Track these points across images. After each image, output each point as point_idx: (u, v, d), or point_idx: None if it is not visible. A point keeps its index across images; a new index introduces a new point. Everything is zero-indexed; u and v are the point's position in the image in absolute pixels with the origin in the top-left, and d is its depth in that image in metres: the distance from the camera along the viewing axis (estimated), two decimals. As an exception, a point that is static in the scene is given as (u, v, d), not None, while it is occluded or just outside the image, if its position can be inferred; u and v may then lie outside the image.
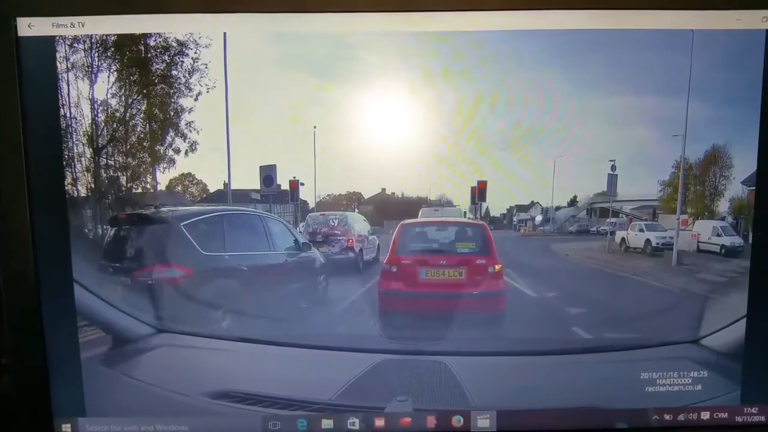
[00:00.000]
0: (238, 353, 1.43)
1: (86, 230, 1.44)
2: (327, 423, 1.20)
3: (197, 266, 1.54)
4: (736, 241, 1.53)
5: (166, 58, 1.29)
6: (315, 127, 1.33)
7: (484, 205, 1.84)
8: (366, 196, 1.99)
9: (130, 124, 1.39)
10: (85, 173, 1.35)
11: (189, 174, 1.58)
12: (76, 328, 1.16)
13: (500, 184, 1.52)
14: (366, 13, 1.06)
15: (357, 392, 1.26)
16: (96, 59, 1.21)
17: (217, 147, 1.35)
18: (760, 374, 1.18)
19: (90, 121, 1.28)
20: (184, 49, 1.24)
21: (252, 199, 1.79)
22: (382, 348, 1.38)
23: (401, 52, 1.14)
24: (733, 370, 1.21)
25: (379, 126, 1.22)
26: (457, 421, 1.20)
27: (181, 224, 1.59)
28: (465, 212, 1.90)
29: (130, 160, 1.46)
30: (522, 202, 2.03)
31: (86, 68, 1.20)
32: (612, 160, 1.41)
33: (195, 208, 1.68)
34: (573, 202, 1.95)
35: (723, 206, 1.56)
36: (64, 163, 1.13)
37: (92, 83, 1.24)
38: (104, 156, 1.39)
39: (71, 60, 1.15)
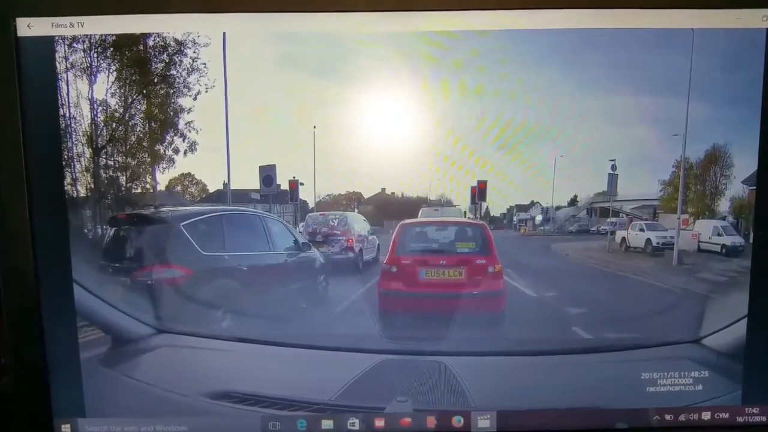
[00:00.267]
0: (238, 353, 1.43)
1: (86, 230, 1.44)
2: (327, 423, 1.20)
3: (197, 266, 1.54)
4: (737, 240, 1.53)
5: (165, 57, 1.29)
6: (315, 126, 1.33)
7: (484, 204, 1.84)
8: (366, 195, 1.99)
9: (130, 124, 1.39)
10: (85, 173, 1.35)
11: (188, 174, 1.57)
12: (75, 329, 1.16)
13: (500, 184, 1.52)
14: (365, 12, 1.05)
15: (357, 392, 1.26)
16: (95, 59, 1.21)
17: (217, 147, 1.35)
18: (761, 374, 1.18)
19: (89, 121, 1.28)
20: (183, 49, 1.24)
21: (252, 199, 1.79)
22: (382, 348, 1.38)
23: (401, 52, 1.13)
24: (734, 370, 1.21)
25: (378, 126, 1.22)
26: (457, 421, 1.20)
27: (181, 224, 1.58)
28: (465, 212, 1.90)
29: (129, 160, 1.46)
30: (522, 201, 2.03)
31: (86, 68, 1.20)
32: (612, 160, 1.41)
33: (194, 208, 1.68)
34: (573, 202, 1.94)
35: (724, 206, 1.56)
36: (64, 163, 1.13)
37: (92, 83, 1.24)
38: (104, 156, 1.39)
39: (71, 60, 1.15)
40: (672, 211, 1.70)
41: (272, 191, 1.67)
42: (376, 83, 1.17)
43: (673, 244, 1.78)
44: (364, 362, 1.32)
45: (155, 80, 1.36)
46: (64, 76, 1.15)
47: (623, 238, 2.09)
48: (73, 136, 1.25)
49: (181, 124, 1.39)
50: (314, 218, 2.07)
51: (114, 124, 1.36)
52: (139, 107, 1.37)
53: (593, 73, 1.23)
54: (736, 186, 1.36)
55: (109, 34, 1.14)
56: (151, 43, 1.24)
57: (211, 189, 1.67)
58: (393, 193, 1.73)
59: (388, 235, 1.99)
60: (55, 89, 1.09)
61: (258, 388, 1.27)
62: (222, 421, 1.22)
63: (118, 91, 1.30)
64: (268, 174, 1.50)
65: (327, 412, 1.21)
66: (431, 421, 1.20)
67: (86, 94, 1.23)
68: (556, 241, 2.29)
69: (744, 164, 1.21)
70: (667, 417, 1.20)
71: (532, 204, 2.10)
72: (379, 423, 1.20)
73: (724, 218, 1.59)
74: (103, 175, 1.42)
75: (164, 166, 1.48)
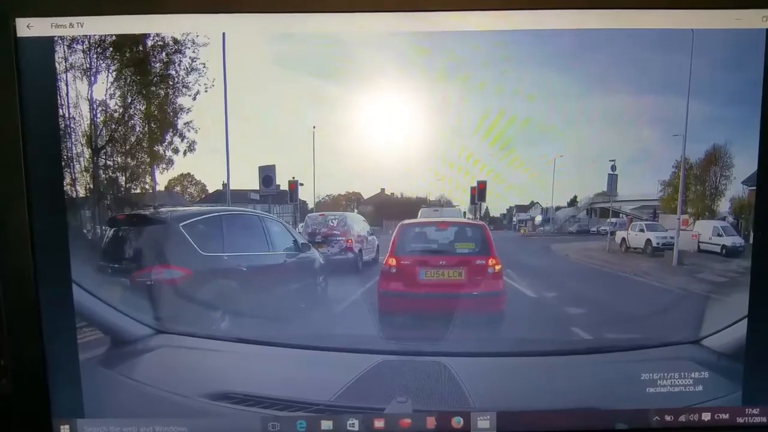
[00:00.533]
0: (237, 354, 1.43)
1: (85, 231, 1.44)
2: (326, 424, 1.20)
3: (196, 267, 1.54)
4: (737, 241, 1.53)
5: (165, 57, 1.29)
6: (314, 127, 1.33)
7: (484, 205, 1.84)
8: (365, 196, 1.99)
9: (129, 124, 1.39)
10: (84, 174, 1.34)
11: (188, 174, 1.57)
12: (74, 329, 1.16)
13: (500, 185, 1.52)
14: (365, 13, 1.05)
15: (356, 393, 1.26)
16: (95, 59, 1.21)
17: (216, 147, 1.35)
18: (761, 375, 1.18)
19: (89, 122, 1.28)
20: (182, 49, 1.24)
21: (251, 200, 1.79)
22: (382, 349, 1.37)
23: (400, 52, 1.13)
24: (734, 371, 1.21)
25: (378, 126, 1.22)
26: (457, 422, 1.20)
27: (180, 225, 1.58)
28: (465, 212, 1.90)
29: (128, 160, 1.46)
30: (522, 202, 2.03)
31: (85, 68, 1.20)
32: (612, 160, 1.41)
33: (194, 208, 1.68)
34: (573, 203, 1.95)
35: (724, 206, 1.56)
36: (63, 163, 1.13)
37: (91, 83, 1.23)
38: (103, 156, 1.39)
39: (70, 60, 1.15)
40: (672, 212, 1.70)
41: (272, 192, 1.67)
42: (376, 83, 1.17)
43: (673, 244, 1.78)
44: (364, 363, 1.32)
45: (154, 80, 1.36)
46: (64, 76, 1.15)
47: (623, 239, 2.09)
48: (73, 136, 1.25)
49: (181, 125, 1.39)
50: (314, 219, 2.07)
51: (113, 124, 1.35)
52: (138, 107, 1.37)
53: (593, 73, 1.23)
54: (736, 186, 1.36)
55: (108, 35, 1.14)
56: (150, 43, 1.24)
57: (211, 189, 1.67)
58: (392, 193, 1.73)
59: (388, 236, 1.99)
60: (54, 89, 1.09)
61: (257, 389, 1.26)
62: (221, 422, 1.22)
63: (117, 91, 1.30)
64: (267, 174, 1.50)
65: (326, 413, 1.21)
66: (431, 422, 1.20)
67: (85, 95, 1.23)
68: (556, 241, 2.29)
69: (744, 164, 1.21)
70: (667, 418, 1.20)
71: (532, 204, 2.11)
72: (379, 424, 1.20)
73: (724, 219, 1.59)
74: (103, 175, 1.42)
75: (163, 166, 1.48)
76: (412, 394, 1.23)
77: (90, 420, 1.18)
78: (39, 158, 1.07)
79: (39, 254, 1.09)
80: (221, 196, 1.66)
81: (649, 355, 1.33)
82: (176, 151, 1.45)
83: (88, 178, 1.36)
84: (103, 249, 1.48)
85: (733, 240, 1.57)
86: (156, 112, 1.39)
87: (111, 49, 1.20)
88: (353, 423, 1.20)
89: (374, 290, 1.85)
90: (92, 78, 1.23)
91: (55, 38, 1.06)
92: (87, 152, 1.33)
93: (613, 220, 2.05)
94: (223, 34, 1.13)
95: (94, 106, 1.27)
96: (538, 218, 2.22)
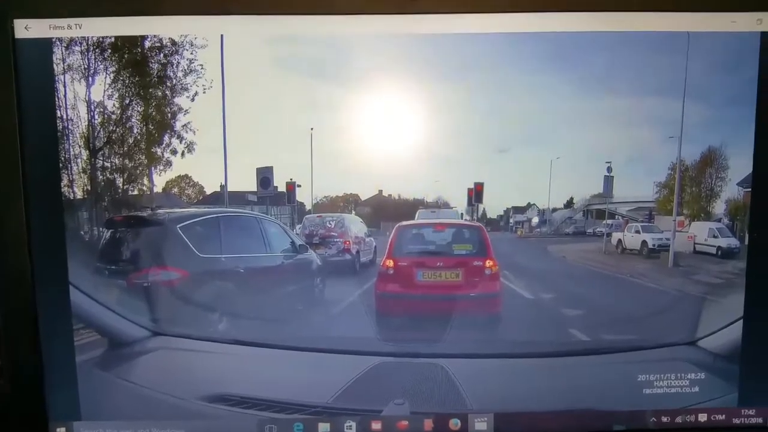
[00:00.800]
0: (234, 356, 1.43)
1: (82, 232, 1.43)
2: (323, 426, 1.19)
3: (193, 268, 1.53)
4: (733, 242, 1.54)
5: (162, 58, 1.29)
6: (312, 128, 1.33)
7: (481, 206, 1.85)
8: (363, 197, 2.00)
9: (127, 126, 1.39)
10: (82, 175, 1.34)
11: (185, 176, 1.58)
12: (71, 331, 1.15)
13: (497, 186, 1.52)
14: (363, 15, 1.05)
15: (354, 395, 1.26)
16: (93, 61, 1.20)
17: (214, 149, 1.35)
18: (757, 376, 1.18)
19: (86, 123, 1.28)
20: (180, 51, 1.24)
21: (249, 201, 1.79)
22: (379, 350, 1.37)
23: (398, 54, 1.14)
24: (730, 372, 1.21)
25: (375, 128, 1.22)
26: (455, 424, 1.20)
27: (178, 226, 1.58)
28: (462, 214, 1.91)
29: (126, 162, 1.46)
30: (518, 203, 2.04)
31: (83, 70, 1.20)
32: (608, 162, 1.41)
33: (191, 210, 1.68)
34: (569, 204, 1.95)
35: (719, 208, 1.56)
36: (61, 165, 1.12)
37: (89, 85, 1.23)
38: (101, 158, 1.39)
39: (68, 62, 1.15)
40: (668, 213, 1.71)
41: (269, 193, 1.67)
42: (374, 85, 1.17)
43: (668, 245, 1.79)
44: (361, 365, 1.32)
45: (152, 82, 1.36)
46: (62, 77, 1.15)
47: (619, 240, 2.10)
48: (71, 137, 1.25)
49: (178, 126, 1.39)
50: (311, 220, 2.08)
51: (111, 125, 1.35)
52: (136, 109, 1.36)
53: (589, 75, 1.24)
54: (732, 188, 1.36)
55: (106, 36, 1.14)
56: (148, 44, 1.24)
57: (208, 191, 1.68)
58: (390, 195, 1.74)
59: (385, 237, 1.99)
60: (52, 91, 1.08)
61: (254, 391, 1.26)
62: (218, 425, 1.21)
63: (115, 93, 1.30)
64: (265, 176, 1.50)
65: (324, 415, 1.20)
66: (428, 424, 1.20)
67: (83, 96, 1.23)
68: (553, 242, 2.30)
69: (739, 166, 1.22)
70: (664, 419, 1.20)
71: (529, 206, 2.11)
72: (376, 426, 1.19)
73: (719, 220, 1.60)
74: (100, 177, 1.42)
75: (161, 168, 1.48)
76: (409, 396, 1.22)
77: (87, 422, 1.17)
78: (36, 159, 1.07)
79: (36, 256, 1.08)
80: (219, 197, 1.66)
81: (645, 356, 1.33)
82: (174, 152, 1.45)
83: (85, 180, 1.36)
84: (101, 251, 1.47)
85: (729, 241, 1.58)
86: (154, 113, 1.39)
87: (109, 50, 1.20)
88: (350, 425, 1.19)
89: (371, 292, 1.85)
90: (90, 79, 1.23)
91: (53, 39, 1.06)
92: (85, 154, 1.33)
93: (609, 221, 2.06)
94: (221, 36, 1.13)
95: (92, 107, 1.27)
96: (535, 220, 2.23)
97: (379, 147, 1.25)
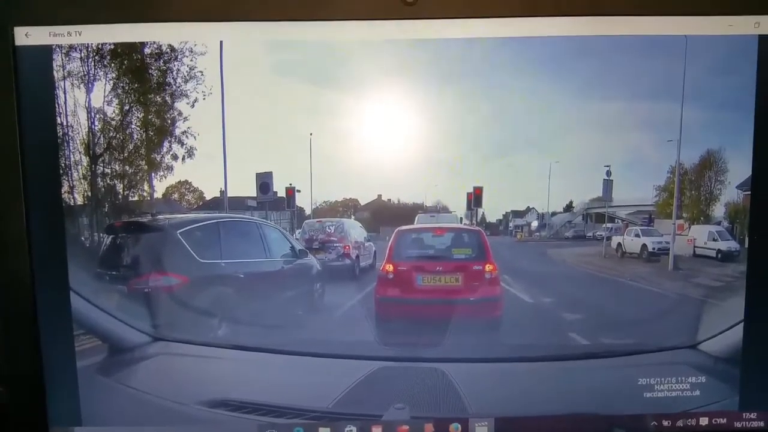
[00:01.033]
0: (235, 361, 1.43)
1: (83, 238, 1.44)
2: (324, 431, 1.19)
3: (193, 274, 1.54)
4: (732, 245, 1.54)
5: (162, 65, 1.29)
6: (311, 134, 1.34)
7: (480, 210, 1.85)
8: (362, 202, 2.00)
9: (127, 132, 1.39)
10: (82, 181, 1.35)
11: (185, 182, 1.58)
12: (72, 337, 1.16)
13: (496, 190, 1.52)
14: (362, 21, 1.06)
15: (354, 400, 1.25)
16: (93, 68, 1.21)
17: (214, 154, 1.36)
18: (758, 379, 1.18)
19: (87, 130, 1.29)
20: (180, 57, 1.25)
21: (248, 207, 1.79)
22: (379, 355, 1.37)
23: (397, 60, 1.14)
24: (731, 376, 1.21)
25: (375, 133, 1.22)
26: (455, 428, 1.20)
27: (178, 232, 1.59)
28: (461, 218, 1.91)
29: (126, 168, 1.46)
30: (518, 207, 2.04)
31: (83, 77, 1.20)
32: (607, 166, 1.41)
33: (191, 215, 1.68)
34: (569, 208, 1.95)
35: (719, 211, 1.56)
36: (61, 171, 1.13)
37: (89, 91, 1.24)
38: (101, 164, 1.39)
39: (68, 68, 1.16)
40: (667, 217, 1.70)
41: (269, 198, 1.67)
42: (373, 90, 1.18)
43: (668, 249, 1.79)
44: (361, 369, 1.32)
45: (152, 88, 1.36)
46: (62, 84, 1.15)
47: (619, 244, 2.09)
48: (71, 144, 1.26)
49: (178, 132, 1.39)
50: (311, 225, 2.08)
51: (111, 132, 1.36)
52: (136, 115, 1.37)
53: (588, 79, 1.24)
54: (731, 191, 1.36)
55: (106, 43, 1.14)
56: (148, 51, 1.24)
57: (208, 196, 1.68)
58: (389, 199, 1.74)
59: (385, 242, 1.99)
60: (52, 98, 1.09)
61: (254, 396, 1.26)
62: (218, 430, 1.22)
63: (115, 99, 1.31)
64: (264, 181, 1.51)
65: (324, 420, 1.20)
66: (429, 429, 1.20)
67: (83, 103, 1.23)
68: (552, 246, 2.29)
69: (738, 169, 1.22)
70: (665, 423, 1.20)
71: (528, 210, 2.11)
72: (376, 430, 1.19)
73: (719, 223, 1.59)
74: (100, 183, 1.42)
75: (161, 173, 1.48)
76: (409, 401, 1.22)
77: (87, 428, 1.17)
78: (37, 166, 1.07)
79: (37, 262, 1.09)
80: (219, 203, 1.66)
81: (646, 360, 1.33)
82: (175, 157, 1.45)
83: (85, 186, 1.36)
84: (101, 256, 1.48)
85: (729, 244, 1.58)
86: (154, 119, 1.40)
87: (109, 57, 1.21)
88: (351, 430, 1.19)
89: (371, 296, 1.85)
90: (90, 86, 1.23)
91: (53, 46, 1.06)
92: (85, 160, 1.33)
93: (609, 225, 2.06)
94: (221, 42, 1.14)
95: (92, 113, 1.27)
96: (534, 224, 2.23)
97: (379, 152, 1.25)
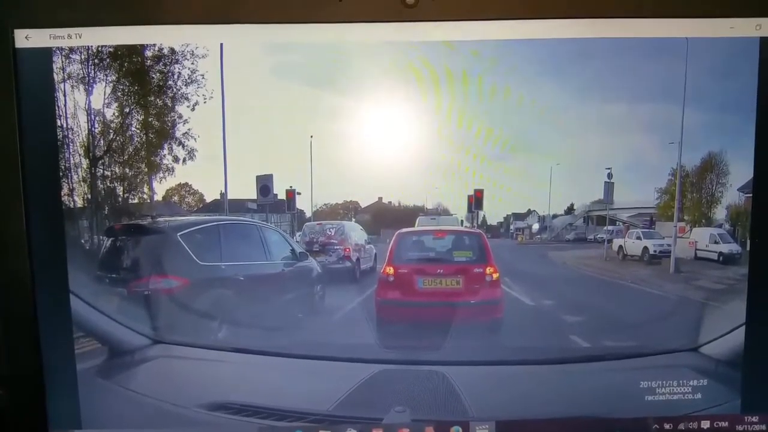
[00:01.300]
0: (235, 364, 1.42)
1: (83, 241, 1.43)
2: (324, 434, 1.19)
3: (194, 276, 1.53)
4: (734, 248, 1.54)
5: (163, 68, 1.29)
6: (312, 136, 1.33)
7: (481, 213, 1.85)
8: (363, 205, 2.00)
9: (127, 134, 1.39)
10: (82, 183, 1.35)
11: (186, 184, 1.58)
12: (72, 340, 1.15)
13: (497, 193, 1.52)
14: (363, 23, 1.06)
15: (354, 403, 1.25)
16: (93, 70, 1.21)
17: (214, 157, 1.35)
18: (760, 382, 1.18)
19: (87, 132, 1.29)
20: (181, 60, 1.25)
21: (248, 209, 1.79)
22: (380, 358, 1.37)
23: (398, 62, 1.14)
24: (733, 379, 1.20)
25: (375, 135, 1.22)
26: (456, 431, 1.19)
27: (178, 234, 1.58)
28: (462, 221, 1.91)
29: (126, 170, 1.46)
30: (519, 210, 2.04)
31: (83, 79, 1.20)
32: (608, 168, 1.41)
33: (191, 218, 1.68)
34: (570, 210, 1.95)
35: (720, 213, 1.56)
36: (61, 173, 1.13)
37: (89, 94, 1.24)
38: (101, 166, 1.39)
39: (68, 71, 1.16)
40: (669, 219, 1.70)
41: (269, 201, 1.67)
42: (374, 93, 1.18)
43: (670, 251, 1.78)
44: (362, 372, 1.32)
45: (153, 91, 1.36)
46: (62, 86, 1.15)
47: (620, 246, 2.09)
48: (71, 146, 1.26)
49: (179, 135, 1.39)
50: (311, 227, 2.08)
51: (111, 134, 1.36)
52: (136, 117, 1.37)
53: (589, 82, 1.24)
54: (732, 193, 1.36)
55: (106, 46, 1.14)
56: (149, 54, 1.24)
57: (208, 199, 1.68)
58: (390, 202, 1.74)
59: (385, 245, 1.99)
60: (52, 100, 1.09)
61: (255, 399, 1.26)
62: (218, 433, 1.21)
63: (115, 101, 1.31)
64: (265, 183, 1.50)
65: (324, 423, 1.20)
66: (429, 432, 1.19)
67: (84, 105, 1.23)
68: (553, 249, 2.29)
69: (740, 172, 1.22)
70: (666, 426, 1.20)
71: (529, 212, 2.11)
72: (377, 433, 1.19)
73: (720, 226, 1.59)
74: (100, 185, 1.42)
75: (161, 176, 1.48)
76: (410, 404, 1.22)
77: (87, 431, 1.17)
78: (37, 168, 1.07)
79: (36, 264, 1.08)
80: (219, 205, 1.66)
81: (647, 362, 1.33)
82: (176, 159, 1.45)
83: (85, 188, 1.36)
84: (101, 259, 1.48)
85: (730, 247, 1.58)
86: (154, 122, 1.40)
87: (109, 59, 1.21)
88: (351, 433, 1.19)
89: (372, 299, 1.84)
90: (90, 88, 1.23)
91: (54, 49, 1.06)
92: (85, 162, 1.33)
93: (610, 227, 2.06)
94: (221, 44, 1.14)
95: (92, 116, 1.27)
96: (535, 226, 2.23)
97: (379, 154, 1.25)
